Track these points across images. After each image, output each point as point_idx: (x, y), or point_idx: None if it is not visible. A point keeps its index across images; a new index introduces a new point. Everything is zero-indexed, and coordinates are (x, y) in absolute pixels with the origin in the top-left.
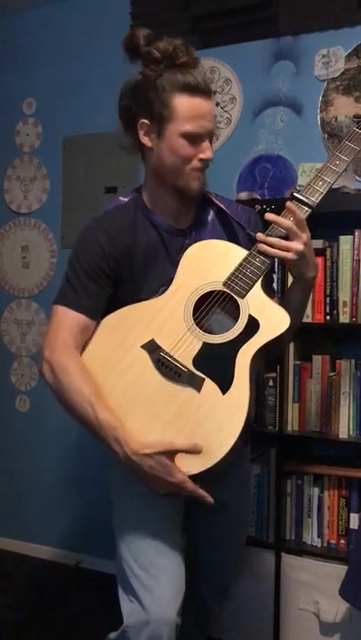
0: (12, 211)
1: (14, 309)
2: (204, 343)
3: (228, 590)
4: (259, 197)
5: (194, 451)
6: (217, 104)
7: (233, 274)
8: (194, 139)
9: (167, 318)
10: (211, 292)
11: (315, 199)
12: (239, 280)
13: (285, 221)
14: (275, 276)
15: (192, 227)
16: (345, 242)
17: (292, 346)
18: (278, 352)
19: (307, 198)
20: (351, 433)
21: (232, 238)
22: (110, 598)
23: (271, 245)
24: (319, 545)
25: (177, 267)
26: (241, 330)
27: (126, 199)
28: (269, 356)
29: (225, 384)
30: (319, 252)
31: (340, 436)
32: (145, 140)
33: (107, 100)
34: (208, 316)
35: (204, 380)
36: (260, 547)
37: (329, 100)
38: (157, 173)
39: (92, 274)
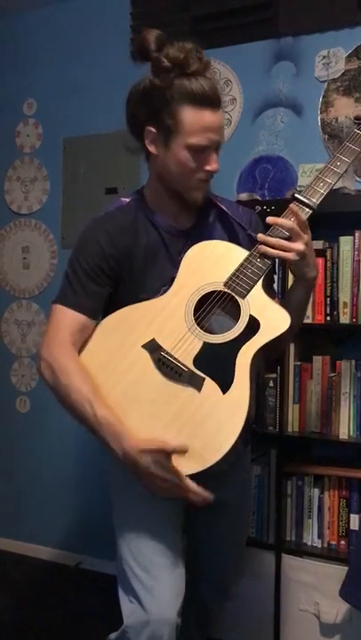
0: (12, 211)
1: (15, 310)
2: (204, 343)
3: (228, 591)
4: (259, 198)
5: (190, 451)
6: None
7: (234, 274)
8: (200, 151)
9: (168, 318)
10: (212, 293)
11: (315, 200)
12: (240, 280)
13: (287, 222)
14: (275, 277)
15: (193, 227)
16: (345, 242)
17: (292, 346)
18: (279, 352)
19: (308, 199)
20: (351, 434)
21: (233, 239)
22: (110, 599)
23: (272, 246)
24: (319, 546)
25: (178, 267)
26: (242, 330)
27: (128, 200)
28: (270, 357)
29: (225, 384)
30: (319, 253)
31: (341, 437)
32: (151, 148)
33: (107, 100)
34: (209, 316)
35: (204, 379)
36: (261, 547)
37: (329, 101)
38: (162, 178)
39: (91, 274)
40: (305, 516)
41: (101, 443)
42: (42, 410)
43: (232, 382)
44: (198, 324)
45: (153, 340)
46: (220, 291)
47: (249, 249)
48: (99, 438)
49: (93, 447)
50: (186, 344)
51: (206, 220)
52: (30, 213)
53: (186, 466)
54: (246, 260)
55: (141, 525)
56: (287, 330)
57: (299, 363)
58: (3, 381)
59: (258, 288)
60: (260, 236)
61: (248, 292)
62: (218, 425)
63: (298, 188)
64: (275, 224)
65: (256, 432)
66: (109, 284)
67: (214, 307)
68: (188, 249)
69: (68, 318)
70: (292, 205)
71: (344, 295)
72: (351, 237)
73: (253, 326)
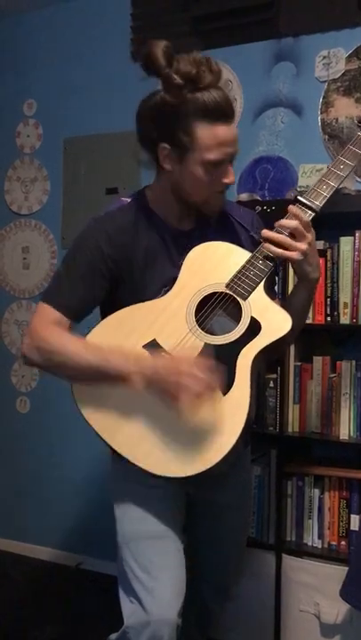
0: (12, 212)
1: (15, 310)
2: (205, 344)
3: (228, 591)
4: (259, 198)
5: (190, 451)
6: None
7: (236, 276)
8: (216, 165)
9: (169, 319)
10: (213, 294)
11: (318, 203)
12: (242, 282)
13: (290, 222)
14: (276, 279)
15: (195, 229)
16: (346, 243)
17: (292, 347)
18: (280, 354)
19: (311, 202)
20: (352, 434)
21: (235, 240)
22: (111, 599)
23: (277, 243)
24: (320, 546)
25: (179, 268)
26: (243, 331)
27: (129, 200)
28: (271, 358)
29: (226, 385)
30: (320, 254)
31: (341, 438)
32: (165, 164)
33: (107, 101)
34: (210, 317)
35: None
36: (261, 548)
37: (330, 102)
38: (176, 192)
39: (85, 274)
40: (305, 517)
41: (116, 380)
42: (42, 410)
43: (233, 384)
44: (200, 325)
45: (154, 340)
46: (222, 292)
47: (251, 250)
48: (112, 378)
49: (94, 447)
50: (187, 345)
51: (208, 221)
52: (30, 214)
53: (187, 467)
54: (248, 261)
55: (142, 526)
56: (288, 332)
57: (299, 363)
58: (3, 382)
59: (260, 290)
60: (265, 232)
61: (250, 293)
62: (218, 427)
63: (298, 189)
64: (278, 226)
65: (256, 432)
66: (104, 286)
67: (216, 308)
68: (190, 250)
69: (51, 317)
70: (292, 207)
71: (344, 295)
72: (351, 238)
73: (255, 328)
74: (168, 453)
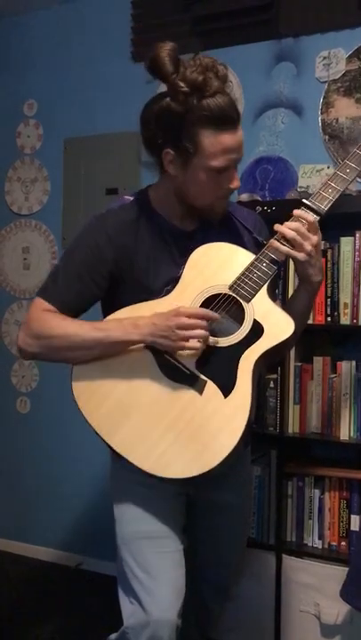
0: (12, 212)
1: (15, 311)
2: (207, 346)
3: (228, 591)
4: (260, 199)
5: (189, 453)
6: None
7: (239, 277)
8: (221, 171)
9: None
10: (216, 295)
11: (324, 206)
12: (245, 284)
13: (296, 223)
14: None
15: (197, 229)
16: (346, 243)
17: (293, 348)
18: (281, 357)
19: (316, 205)
20: (352, 434)
21: (238, 241)
22: (111, 600)
23: (288, 240)
24: (320, 547)
25: (181, 268)
26: (245, 334)
27: (131, 198)
28: (272, 361)
29: (227, 388)
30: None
31: (341, 438)
32: (169, 169)
33: (108, 101)
34: None
35: (206, 382)
36: (261, 548)
37: (330, 102)
38: (179, 195)
39: (82, 271)
40: (305, 517)
41: (123, 344)
42: (42, 410)
43: (234, 386)
44: None
45: None
46: (225, 294)
47: (254, 252)
48: (117, 345)
49: (94, 448)
50: None
51: (211, 222)
52: (31, 214)
53: (186, 468)
54: (252, 263)
55: (142, 527)
56: (291, 336)
57: (299, 364)
58: (3, 382)
59: (263, 292)
60: (277, 226)
61: (253, 296)
62: (218, 429)
63: (298, 189)
64: (279, 230)
65: (256, 433)
66: (102, 285)
67: (218, 309)
68: (193, 250)
69: (45, 308)
70: (297, 211)
71: (345, 296)
72: (352, 238)
73: (257, 331)
74: (168, 454)
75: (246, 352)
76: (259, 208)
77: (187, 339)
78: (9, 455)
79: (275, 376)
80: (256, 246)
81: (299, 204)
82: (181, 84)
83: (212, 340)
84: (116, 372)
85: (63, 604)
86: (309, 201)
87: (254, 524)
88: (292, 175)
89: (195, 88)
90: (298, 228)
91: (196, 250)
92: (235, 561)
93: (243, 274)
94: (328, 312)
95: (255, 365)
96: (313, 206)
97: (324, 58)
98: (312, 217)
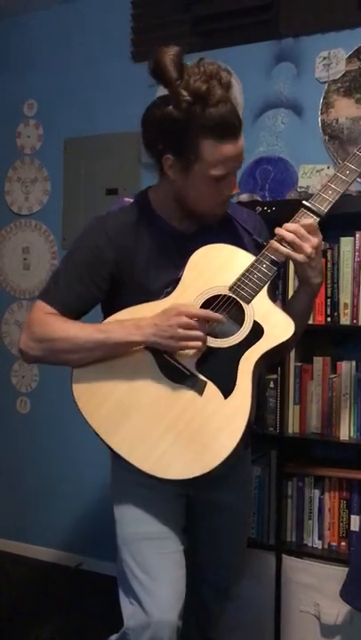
0: (12, 212)
1: (15, 311)
2: (208, 347)
3: (229, 592)
4: (260, 199)
5: (189, 454)
6: None
7: (239, 279)
8: (220, 179)
9: None
10: (216, 296)
11: (324, 208)
12: (245, 285)
13: (296, 224)
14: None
15: (197, 231)
16: (346, 243)
17: (293, 349)
18: (281, 358)
19: (316, 207)
20: (352, 435)
21: (238, 243)
22: (111, 600)
23: (289, 242)
24: (320, 547)
25: (181, 269)
26: (245, 335)
27: (131, 200)
28: (272, 362)
29: (227, 389)
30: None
31: (341, 438)
32: (169, 173)
33: (108, 101)
34: None
35: (206, 383)
36: (261, 548)
37: (330, 102)
38: (178, 200)
39: (83, 273)
40: (305, 517)
41: (125, 345)
42: (42, 411)
43: (234, 387)
44: None
45: None
46: (225, 295)
47: (254, 253)
48: (120, 346)
49: (94, 448)
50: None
51: (211, 223)
52: (31, 214)
53: (186, 469)
54: (252, 265)
55: (142, 527)
56: (291, 337)
57: (299, 364)
58: (3, 382)
59: (263, 294)
60: (278, 229)
61: (253, 297)
62: (218, 429)
63: (298, 189)
64: (279, 234)
65: (256, 433)
66: (102, 287)
67: (218, 311)
68: (193, 252)
69: (47, 311)
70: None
71: (345, 296)
72: (352, 238)
73: (257, 332)
74: (168, 455)
75: (246, 353)
76: (259, 208)
77: (189, 338)
78: (9, 455)
79: (275, 376)
80: (256, 248)
81: (299, 205)
82: (184, 93)
83: (211, 340)
84: (116, 372)
85: (63, 605)
86: (309, 202)
87: (254, 524)
88: (292, 175)
89: (198, 97)
90: (297, 229)
91: (196, 251)
92: (235, 561)
93: (243, 275)
94: (328, 312)
95: (255, 366)
96: (313, 208)
97: (325, 58)
98: (311, 219)
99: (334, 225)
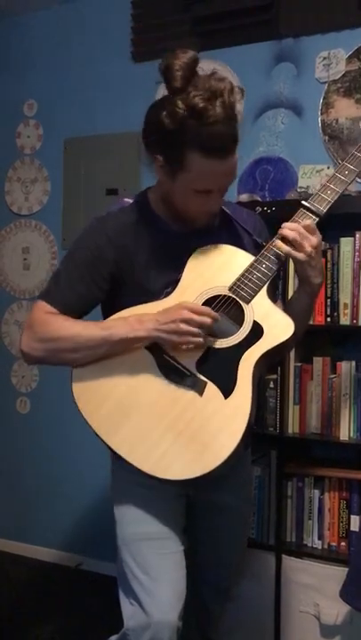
0: (12, 212)
1: (15, 311)
2: (208, 347)
3: (229, 592)
4: (259, 199)
5: (189, 454)
6: None
7: (239, 279)
8: (205, 193)
9: None
10: (216, 297)
11: (323, 208)
12: (245, 285)
13: (295, 223)
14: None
15: (197, 231)
16: (346, 244)
17: (293, 349)
18: (281, 358)
19: (315, 207)
20: (352, 435)
21: (237, 243)
22: (111, 601)
23: (290, 240)
24: (320, 547)
25: (181, 270)
26: (245, 335)
27: (131, 200)
28: (272, 362)
29: (227, 389)
30: None
31: (341, 438)
32: (158, 173)
33: (107, 101)
34: None
35: (206, 383)
36: (261, 549)
37: (330, 102)
38: (166, 200)
39: (84, 273)
40: (305, 518)
41: (128, 342)
42: (42, 411)
43: (234, 387)
44: None
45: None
46: (225, 295)
47: (253, 254)
48: (123, 343)
49: (94, 448)
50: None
51: (211, 223)
52: (31, 214)
53: (186, 470)
54: (252, 265)
55: (142, 527)
56: (291, 337)
57: (299, 364)
58: (3, 382)
59: (262, 294)
60: (280, 230)
61: (253, 297)
62: (218, 429)
63: (298, 190)
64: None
65: (256, 433)
66: (103, 287)
67: (218, 311)
68: (193, 252)
69: (47, 311)
70: (296, 214)
71: (345, 296)
72: (352, 238)
73: (257, 332)
74: (168, 455)
75: (246, 353)
76: (259, 208)
77: (192, 333)
78: (9, 455)
79: (275, 376)
80: (256, 248)
81: (298, 205)
82: (181, 106)
83: (211, 340)
84: (116, 372)
85: (63, 605)
86: (308, 202)
87: (254, 524)
88: (292, 175)
89: (193, 113)
90: (297, 228)
91: (197, 251)
92: (235, 561)
93: (242, 275)
94: (328, 312)
95: (255, 366)
96: (312, 208)
97: (324, 58)
98: (310, 220)
99: (334, 225)
